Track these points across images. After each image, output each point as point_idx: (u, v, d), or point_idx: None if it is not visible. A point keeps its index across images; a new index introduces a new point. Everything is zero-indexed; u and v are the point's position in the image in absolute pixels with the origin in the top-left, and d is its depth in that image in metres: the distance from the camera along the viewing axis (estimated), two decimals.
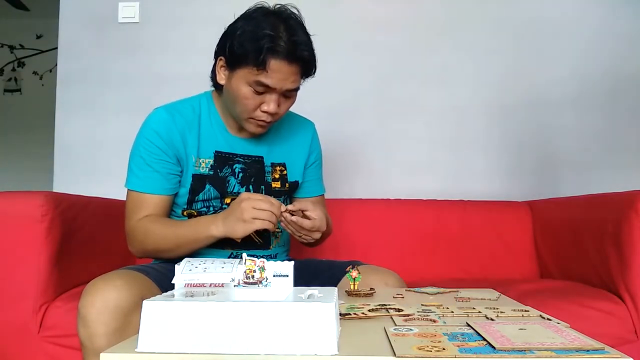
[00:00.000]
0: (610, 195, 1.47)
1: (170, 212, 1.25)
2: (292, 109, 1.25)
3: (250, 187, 1.25)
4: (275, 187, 1.28)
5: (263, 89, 1.10)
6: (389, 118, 2.12)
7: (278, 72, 1.08)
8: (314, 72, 1.16)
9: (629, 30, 2.13)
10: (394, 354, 0.56)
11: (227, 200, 1.23)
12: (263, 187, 1.26)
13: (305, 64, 1.13)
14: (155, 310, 0.56)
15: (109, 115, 2.12)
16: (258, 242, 1.24)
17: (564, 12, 2.14)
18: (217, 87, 1.23)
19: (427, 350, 0.57)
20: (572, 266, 1.61)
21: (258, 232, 1.23)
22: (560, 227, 1.70)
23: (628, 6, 2.13)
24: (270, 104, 1.12)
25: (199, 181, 1.21)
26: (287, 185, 1.30)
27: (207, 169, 1.21)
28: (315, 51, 1.15)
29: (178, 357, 0.55)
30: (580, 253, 1.54)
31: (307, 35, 1.13)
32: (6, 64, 4.83)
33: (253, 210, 1.03)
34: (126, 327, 0.92)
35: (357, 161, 2.09)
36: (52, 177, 2.12)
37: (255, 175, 1.26)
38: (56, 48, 2.18)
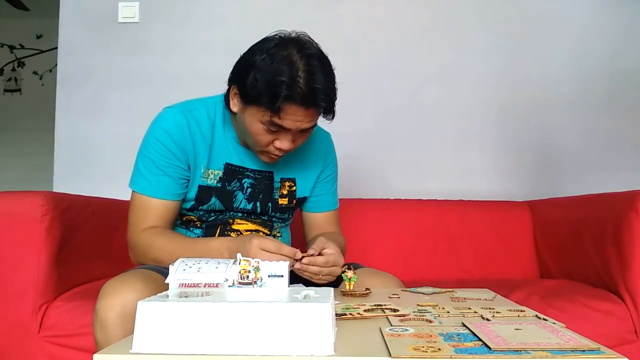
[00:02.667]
0: (610, 195, 1.47)
1: (175, 219, 1.20)
2: None
3: (258, 203, 1.21)
4: (282, 203, 1.24)
5: (277, 129, 1.05)
6: (389, 118, 2.11)
7: (293, 115, 1.02)
8: (333, 116, 1.08)
9: (629, 30, 2.12)
10: (390, 355, 0.56)
11: (233, 226, 1.22)
12: (270, 204, 1.22)
13: (322, 109, 1.06)
14: (149, 311, 0.56)
15: (109, 115, 2.13)
16: None
17: (563, 11, 2.13)
18: (230, 111, 1.15)
19: (423, 351, 0.57)
20: (572, 266, 1.60)
21: None
22: (560, 227, 1.70)
23: (627, 5, 2.13)
24: (284, 142, 1.07)
25: (205, 193, 1.16)
26: (294, 201, 1.26)
27: (215, 181, 1.17)
28: (336, 93, 1.07)
29: (172, 358, 0.55)
30: (580, 253, 1.53)
31: (329, 76, 1.05)
32: (6, 64, 4.84)
33: (259, 252, 0.95)
34: None
35: (357, 161, 2.09)
36: (52, 177, 2.12)
37: (264, 192, 1.21)
38: (56, 48, 2.18)
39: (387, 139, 2.10)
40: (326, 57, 1.07)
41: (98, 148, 2.11)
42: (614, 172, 2.05)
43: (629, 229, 1.32)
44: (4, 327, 1.28)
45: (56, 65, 2.17)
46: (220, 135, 1.18)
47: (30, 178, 4.13)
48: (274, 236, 1.26)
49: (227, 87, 1.14)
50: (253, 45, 1.08)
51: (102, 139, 2.11)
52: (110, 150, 2.11)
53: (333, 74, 1.07)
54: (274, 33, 1.07)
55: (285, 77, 0.99)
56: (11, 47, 4.81)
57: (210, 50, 2.12)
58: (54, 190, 2.02)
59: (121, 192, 1.88)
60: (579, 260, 1.55)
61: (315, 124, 1.09)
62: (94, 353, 0.81)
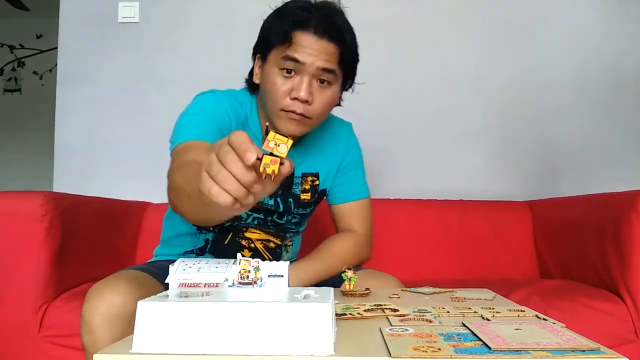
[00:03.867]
0: (610, 195, 1.47)
1: None
2: None
3: (279, 199, 1.17)
4: (304, 199, 1.21)
5: (292, 65, 1.02)
6: (389, 118, 2.11)
7: (307, 46, 1.01)
8: (354, 57, 1.09)
9: (629, 30, 2.12)
10: (390, 355, 0.56)
11: (245, 233, 1.19)
12: (292, 200, 1.20)
13: (339, 41, 1.04)
14: (149, 311, 0.56)
15: (109, 115, 2.13)
16: (268, 259, 1.17)
17: (564, 12, 2.14)
18: (254, 89, 1.15)
19: (423, 351, 0.57)
20: (572, 266, 1.60)
21: (268, 248, 1.19)
22: (560, 227, 1.70)
23: (628, 6, 2.13)
24: (300, 88, 1.02)
25: None
26: (316, 195, 1.23)
27: None
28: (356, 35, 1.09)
29: (173, 357, 0.55)
30: (580, 253, 1.54)
31: (344, 17, 1.07)
32: (6, 64, 4.84)
33: (216, 173, 0.57)
34: (132, 332, 0.89)
35: None
36: (52, 177, 2.12)
37: (283, 187, 1.18)
38: (56, 48, 2.18)
39: (387, 139, 2.10)
40: (341, 9, 1.08)
41: (98, 148, 2.12)
42: (614, 172, 2.05)
43: (629, 229, 1.32)
44: (4, 327, 1.28)
45: (56, 65, 2.17)
46: (249, 127, 1.15)
47: (30, 178, 4.14)
48: (285, 246, 1.24)
49: (252, 69, 1.14)
50: None
51: (102, 139, 2.12)
52: (110, 150, 2.11)
53: (348, 21, 1.07)
54: None
55: (298, 5, 1.02)
56: (11, 47, 4.81)
57: (210, 50, 2.13)
58: (54, 190, 2.02)
59: (121, 192, 1.90)
60: (579, 260, 1.55)
61: (334, 71, 1.05)
62: (85, 356, 0.80)
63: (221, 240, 1.19)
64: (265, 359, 0.56)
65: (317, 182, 1.22)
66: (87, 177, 2.08)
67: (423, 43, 2.14)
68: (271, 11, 1.11)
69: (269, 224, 1.20)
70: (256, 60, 1.12)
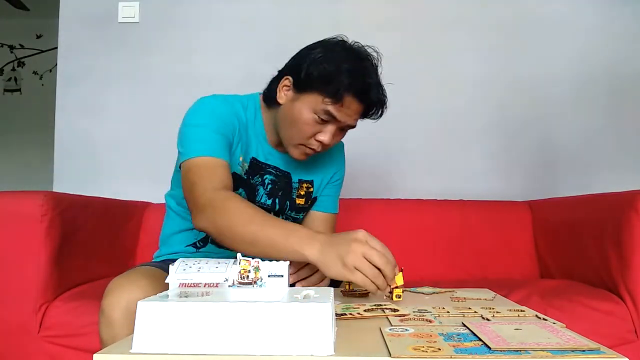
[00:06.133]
0: (610, 195, 1.47)
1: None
2: None
3: (277, 200, 1.23)
4: (299, 203, 1.26)
5: (327, 118, 1.08)
6: (389, 118, 2.09)
7: (348, 108, 1.08)
8: (381, 114, 1.15)
9: (630, 30, 2.12)
10: (390, 355, 0.56)
11: None
12: (288, 202, 1.24)
13: (373, 107, 1.12)
14: (149, 311, 0.56)
15: (109, 115, 2.13)
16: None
17: (564, 11, 2.13)
18: (272, 103, 1.17)
19: (423, 351, 0.57)
20: (572, 266, 1.60)
21: None
22: (560, 227, 1.70)
23: (628, 5, 2.13)
24: (327, 134, 1.10)
25: (235, 181, 1.13)
26: (309, 202, 1.29)
27: (243, 172, 1.18)
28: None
29: (173, 357, 0.55)
30: (580, 253, 1.53)
31: (379, 80, 1.13)
32: (6, 64, 4.84)
33: (361, 260, 0.82)
34: None
35: (357, 161, 2.09)
36: (52, 177, 2.12)
37: (283, 190, 1.23)
38: (56, 48, 2.18)
39: (387, 140, 2.10)
40: (377, 67, 1.13)
41: (98, 148, 2.12)
42: (614, 172, 2.05)
43: (629, 229, 1.32)
44: (4, 327, 1.28)
45: (56, 65, 2.17)
46: (252, 130, 1.20)
47: (30, 178, 4.13)
48: None
49: (274, 81, 1.16)
50: (313, 43, 1.14)
51: (102, 139, 2.12)
52: (110, 150, 2.11)
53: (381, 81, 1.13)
54: (331, 37, 1.14)
55: (349, 66, 1.05)
56: (11, 47, 4.81)
57: (210, 50, 2.12)
58: (54, 190, 2.02)
59: (121, 192, 1.90)
60: (579, 260, 1.55)
61: (355, 126, 1.15)
62: (95, 352, 0.80)
63: None
64: (265, 359, 0.56)
65: (311, 189, 1.28)
66: (87, 177, 2.08)
67: (423, 43, 2.14)
68: (313, 44, 1.12)
69: None
70: (284, 80, 1.13)
